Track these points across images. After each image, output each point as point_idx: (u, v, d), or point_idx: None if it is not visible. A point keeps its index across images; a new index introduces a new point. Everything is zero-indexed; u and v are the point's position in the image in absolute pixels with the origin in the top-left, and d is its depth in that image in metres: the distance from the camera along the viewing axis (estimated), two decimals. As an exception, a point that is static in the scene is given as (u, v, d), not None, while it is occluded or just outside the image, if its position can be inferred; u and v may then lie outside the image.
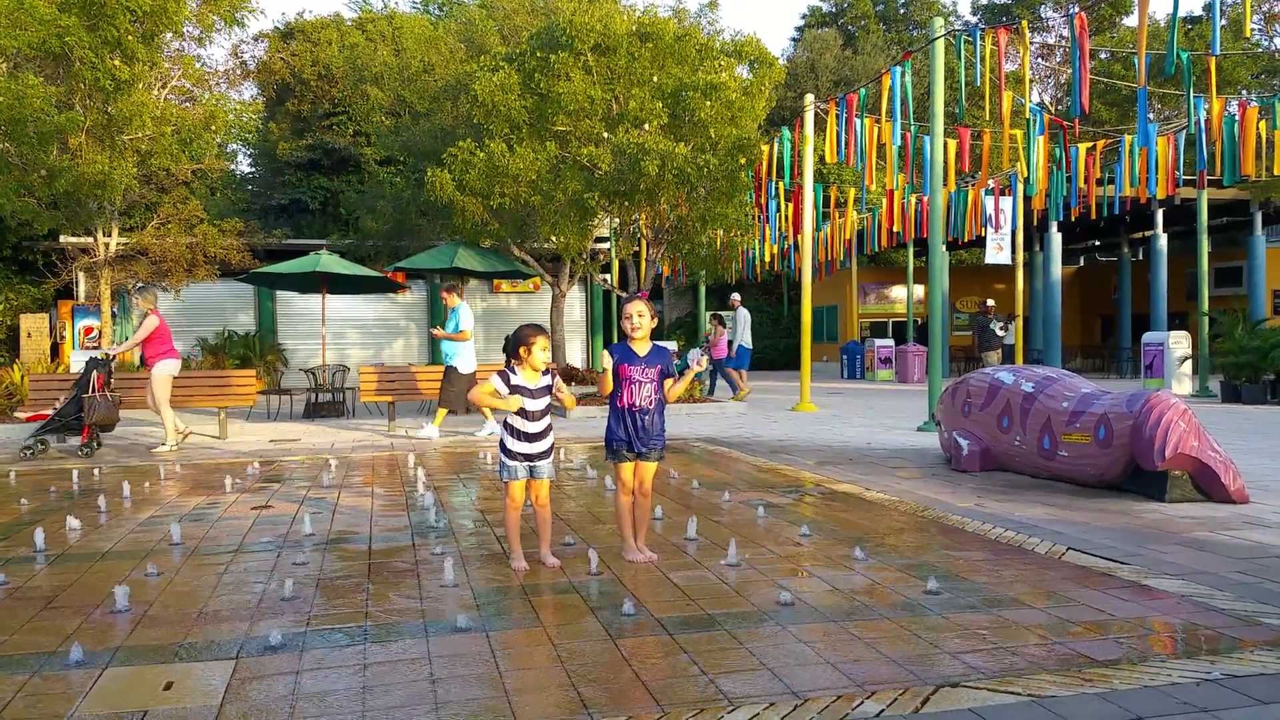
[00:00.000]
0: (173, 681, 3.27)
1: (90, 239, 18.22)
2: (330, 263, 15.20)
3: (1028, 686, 3.09)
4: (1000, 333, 19.75)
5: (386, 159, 24.17)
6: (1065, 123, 17.93)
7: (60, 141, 14.70)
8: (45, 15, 12.95)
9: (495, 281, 24.23)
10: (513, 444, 4.78)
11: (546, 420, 4.82)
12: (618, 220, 16.93)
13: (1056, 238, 23.88)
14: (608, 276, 23.90)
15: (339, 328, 24.06)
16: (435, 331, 11.92)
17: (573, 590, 4.40)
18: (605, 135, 15.40)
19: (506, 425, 4.82)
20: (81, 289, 22.16)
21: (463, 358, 11.70)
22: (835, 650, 3.49)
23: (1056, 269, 24.26)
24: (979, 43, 12.93)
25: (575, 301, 25.67)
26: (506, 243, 17.72)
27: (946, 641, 3.59)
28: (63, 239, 20.25)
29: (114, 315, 20.56)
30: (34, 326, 21.32)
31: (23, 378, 13.36)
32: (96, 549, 5.35)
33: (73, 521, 6.04)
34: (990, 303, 20.87)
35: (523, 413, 4.76)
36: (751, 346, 17.59)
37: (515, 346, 4.81)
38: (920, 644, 3.56)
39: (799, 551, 5.16)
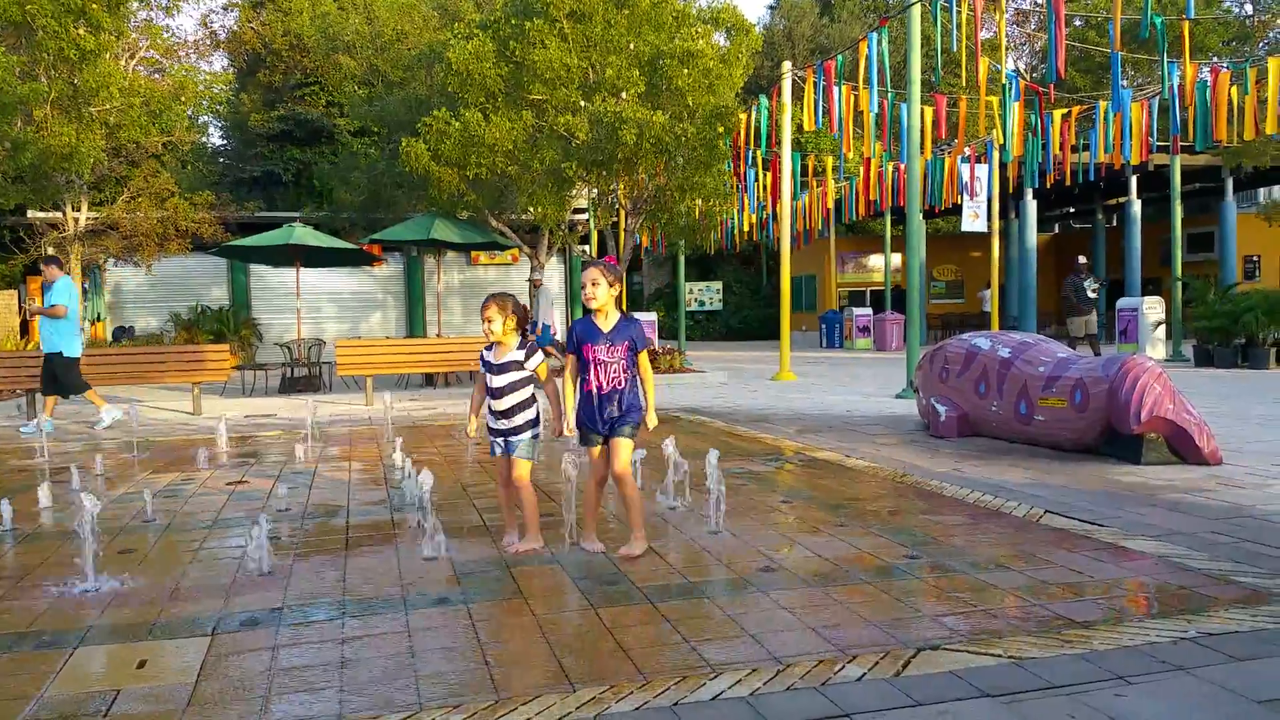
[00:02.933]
0: (146, 659, 3.24)
1: (59, 214, 17.91)
2: (304, 235, 15.02)
3: (1008, 648, 3.10)
4: (1091, 295, 17.12)
5: (360, 130, 23.83)
6: (1041, 89, 17.92)
7: (25, 113, 14.41)
8: (6, -17, 12.68)
9: (473, 254, 24.03)
10: (490, 420, 4.67)
11: (512, 398, 4.53)
12: (596, 190, 16.79)
13: (1032, 205, 23.94)
14: (586, 248, 23.77)
15: (314, 301, 23.83)
16: (32, 307, 10.39)
17: (554, 561, 4.39)
18: (582, 104, 15.24)
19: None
20: (51, 265, 21.81)
21: (68, 340, 10.33)
22: (816, 615, 3.50)
23: (1032, 236, 24.34)
24: (955, 9, 12.87)
25: (554, 273, 25.54)
26: (484, 214, 17.56)
27: (926, 605, 3.60)
28: (30, 214, 19.89)
29: (85, 291, 20.24)
30: (2, 304, 20.97)
31: (-8, 355, 13.15)
32: (67, 527, 5.29)
33: (43, 499, 5.95)
34: (1082, 259, 17.91)
35: (489, 389, 4.59)
36: (554, 325, 16.68)
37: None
38: (900, 608, 3.57)
39: (780, 519, 5.17)
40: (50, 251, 20.39)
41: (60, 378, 10.31)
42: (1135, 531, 4.68)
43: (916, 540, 4.61)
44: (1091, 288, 17.23)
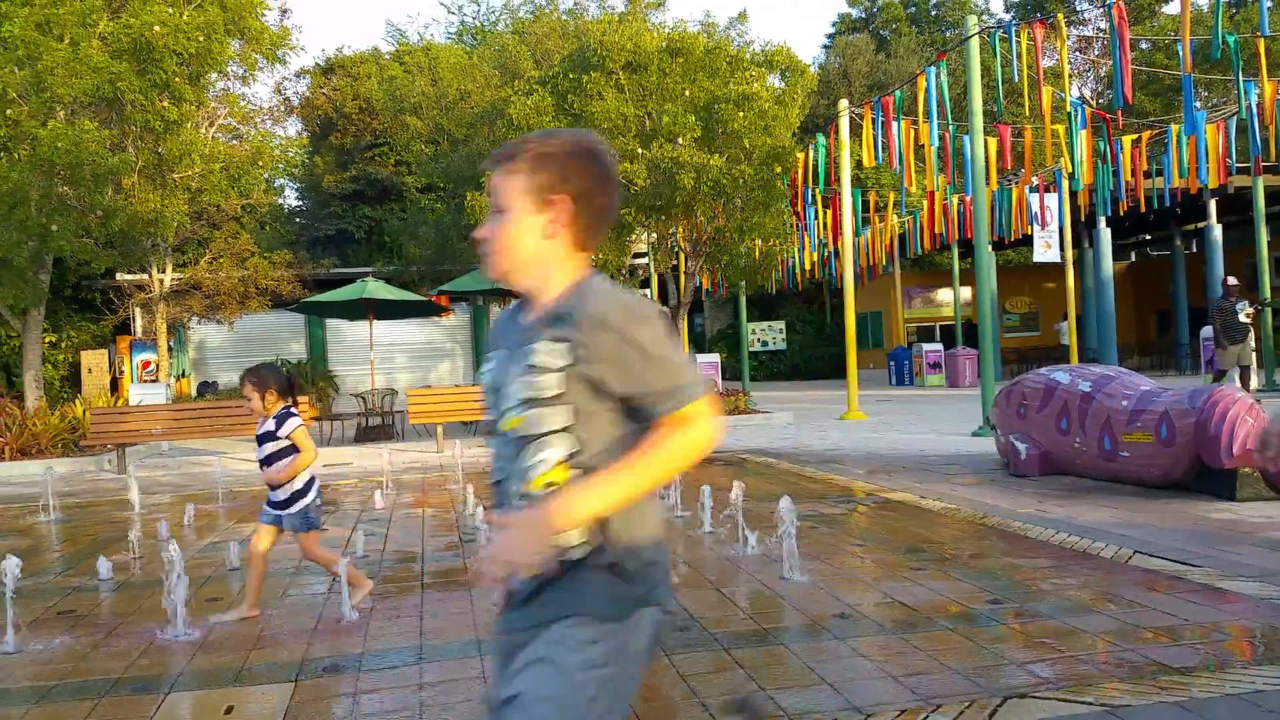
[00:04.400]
0: (233, 706, 3.30)
1: (145, 275, 18.65)
2: (376, 289, 15.39)
3: (1100, 696, 2.98)
4: (1244, 320, 14.55)
5: (427, 186, 24.48)
6: (1108, 115, 17.61)
7: (114, 182, 15.10)
8: (99, 63, 13.35)
9: (538, 301, 24.36)
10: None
11: (272, 468, 4.44)
12: (655, 234, 16.94)
13: (1105, 233, 23.40)
14: (647, 291, 23.91)
15: (386, 352, 24.33)
16: None
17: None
18: (640, 151, 15.44)
19: None
20: (138, 324, 22.68)
21: None
22: (897, 663, 3.41)
23: (1107, 265, 23.77)
24: (1014, 39, 12.75)
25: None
26: (548, 262, 17.79)
27: (1012, 651, 3.49)
28: (119, 276, 20.76)
29: (170, 349, 20.99)
30: (94, 362, 21.84)
31: (85, 412, 13.69)
32: (156, 576, 5.43)
33: (134, 549, 6.13)
34: (1232, 280, 15.46)
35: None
36: None
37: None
38: (985, 655, 3.46)
39: (855, 563, 5.08)
40: (137, 311, 21.24)
41: None
42: (1232, 572, 4.49)
43: (999, 584, 4.48)
44: (1245, 312, 14.67)
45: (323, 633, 4.18)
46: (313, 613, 4.54)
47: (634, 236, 16.68)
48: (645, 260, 22.80)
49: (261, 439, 4.45)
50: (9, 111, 12.95)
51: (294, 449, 4.42)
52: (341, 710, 3.21)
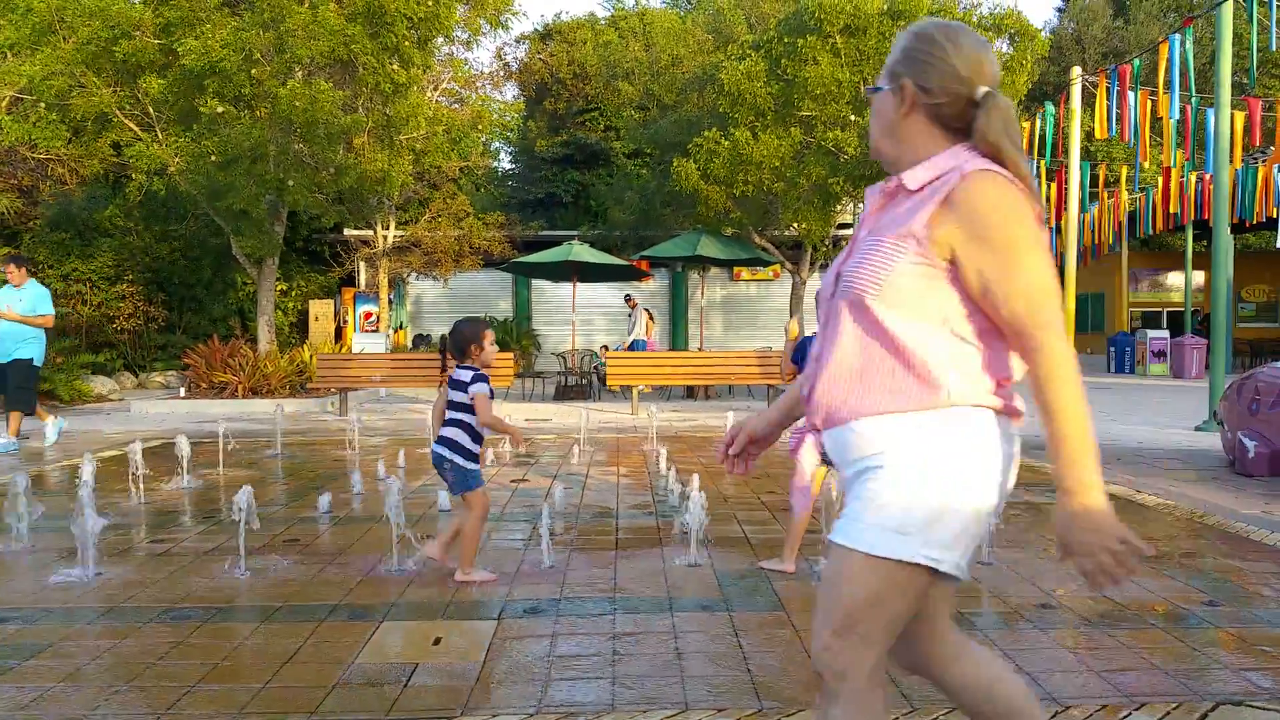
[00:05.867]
0: (440, 637, 3.58)
1: (370, 231, 19.98)
2: (581, 252, 15.88)
3: (1328, 715, 2.78)
4: None
5: (634, 152, 24.86)
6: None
7: (346, 141, 16.21)
8: (335, 25, 14.29)
9: (735, 269, 24.34)
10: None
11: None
12: (862, 205, 16.57)
13: (1365, 218, 20.90)
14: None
15: (587, 314, 25.06)
16: (3, 313, 9.16)
17: (813, 577, 4.39)
18: (852, 118, 15.09)
19: (471, 429, 4.35)
20: (362, 277, 24.36)
21: (37, 348, 9.41)
22: (1100, 658, 3.29)
23: (1368, 253, 21.26)
24: (1275, 4, 11.54)
25: (815, 290, 25.36)
26: (748, 230, 17.76)
27: (1226, 656, 3.29)
28: (346, 231, 22.33)
29: (390, 302, 22.46)
30: (321, 311, 23.64)
31: (311, 357, 14.89)
32: (375, 513, 5.90)
33: (356, 487, 6.69)
34: None
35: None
36: (646, 340, 16.77)
37: (465, 344, 4.33)
38: (1197, 657, 3.28)
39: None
40: (361, 265, 22.82)
41: (22, 385, 9.27)
42: None
43: (1216, 585, 4.20)
44: None
45: (524, 577, 4.44)
46: (514, 558, 4.83)
47: (840, 207, 16.36)
48: (849, 231, 22.35)
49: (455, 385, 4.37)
50: (253, 71, 14.02)
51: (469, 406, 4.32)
52: (540, 650, 3.43)
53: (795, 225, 16.07)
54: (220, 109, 14.26)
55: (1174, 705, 2.85)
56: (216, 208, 15.16)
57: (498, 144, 29.56)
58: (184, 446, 6.95)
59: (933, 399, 1.68)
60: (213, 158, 14.28)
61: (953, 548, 1.68)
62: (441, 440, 4.32)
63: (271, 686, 3.08)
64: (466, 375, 4.30)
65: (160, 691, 3.03)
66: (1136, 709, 2.83)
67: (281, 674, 3.19)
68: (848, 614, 1.69)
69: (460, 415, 4.31)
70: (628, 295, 19.00)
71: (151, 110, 14.91)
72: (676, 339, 24.91)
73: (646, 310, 17.57)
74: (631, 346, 16.75)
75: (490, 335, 4.38)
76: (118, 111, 14.72)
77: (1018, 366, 1.74)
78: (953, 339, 1.70)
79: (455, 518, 4.66)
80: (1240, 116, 15.04)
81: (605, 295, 25.24)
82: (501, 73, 29.09)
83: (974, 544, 1.72)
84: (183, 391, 14.60)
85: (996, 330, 1.71)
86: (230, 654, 3.39)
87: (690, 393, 15.89)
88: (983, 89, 1.72)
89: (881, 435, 1.70)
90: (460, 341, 4.32)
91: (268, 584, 4.33)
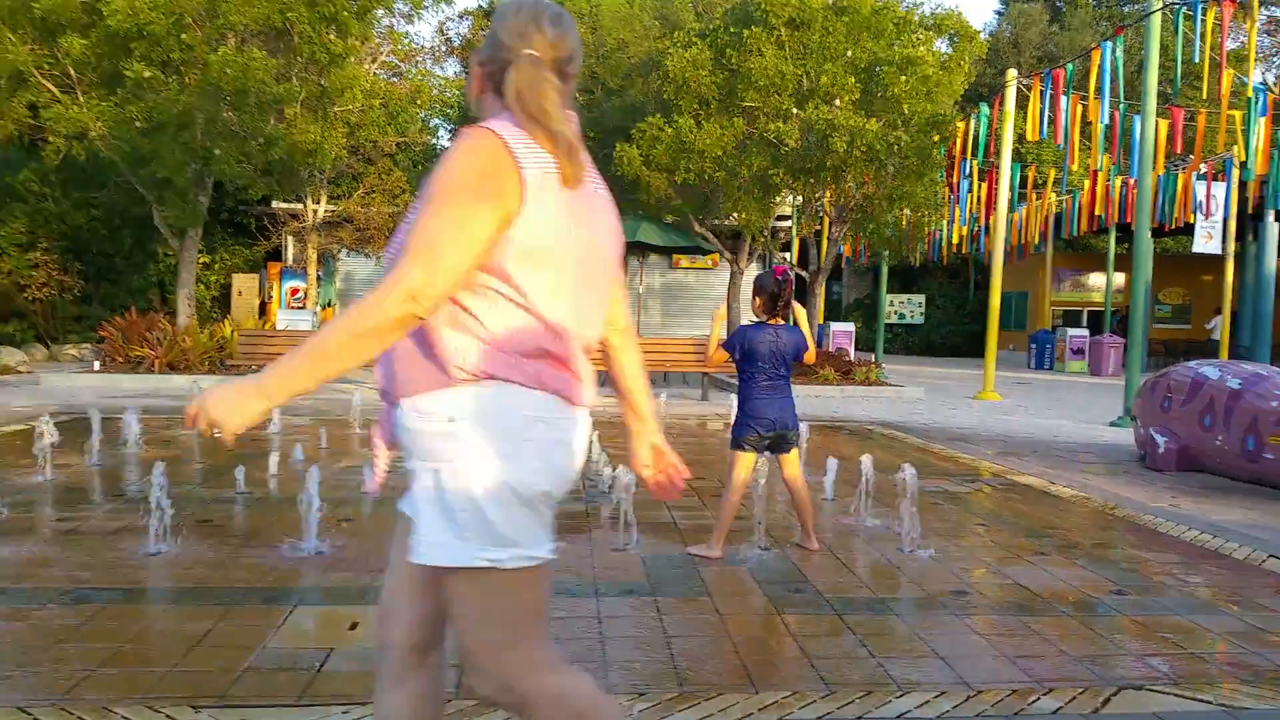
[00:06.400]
0: (358, 623, 3.50)
1: (300, 205, 19.52)
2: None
3: (1218, 696, 2.88)
4: None
5: (576, 134, 24.71)
6: (1297, 102, 16.27)
7: (277, 111, 15.77)
8: (271, -9, 13.88)
9: (675, 257, 24.38)
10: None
11: None
12: (801, 198, 16.65)
13: (1274, 228, 21.69)
14: (787, 255, 23.61)
15: (522, 297, 24.88)
16: None
17: (739, 565, 4.41)
18: (794, 111, 15.17)
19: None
20: (290, 252, 23.80)
21: None
22: (1011, 644, 3.36)
23: (1272, 261, 22.08)
24: (1200, 18, 11.91)
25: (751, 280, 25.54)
26: (688, 218, 17.78)
27: (1130, 643, 3.39)
28: (274, 204, 21.77)
29: (318, 278, 22.01)
30: (245, 285, 23.04)
31: (233, 333, 14.50)
32: (291, 493, 5.76)
33: (273, 468, 6.51)
34: None
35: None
36: None
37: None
38: (1102, 644, 3.38)
39: (976, 542, 4.98)
40: (289, 239, 22.32)
41: None
42: (1388, 592, 4.21)
43: (1124, 575, 4.33)
44: None
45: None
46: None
47: (779, 198, 16.44)
48: (788, 223, 22.52)
49: None
50: (184, 36, 13.54)
51: None
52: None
53: (735, 215, 16.11)
54: (148, 74, 13.75)
55: (1080, 690, 2.92)
56: (139, 176, 14.64)
57: (437, 120, 29.10)
58: (95, 421, 6.71)
59: (442, 376, 1.60)
60: (137, 124, 13.77)
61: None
62: None
63: (178, 670, 2.99)
64: None
65: (58, 676, 2.91)
66: (1045, 694, 2.89)
67: (189, 658, 3.09)
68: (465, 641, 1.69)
69: None
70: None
71: (73, 71, 14.32)
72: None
73: None
74: None
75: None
76: (35, 71, 14.11)
77: (549, 339, 1.63)
78: (458, 310, 1.61)
79: None
80: (1164, 125, 15.51)
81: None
82: (444, 48, 28.62)
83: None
84: (96, 365, 14.09)
85: (518, 300, 1.60)
86: (134, 637, 3.28)
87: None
88: (525, 54, 1.64)
89: (410, 419, 1.65)
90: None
91: (178, 565, 4.20)
